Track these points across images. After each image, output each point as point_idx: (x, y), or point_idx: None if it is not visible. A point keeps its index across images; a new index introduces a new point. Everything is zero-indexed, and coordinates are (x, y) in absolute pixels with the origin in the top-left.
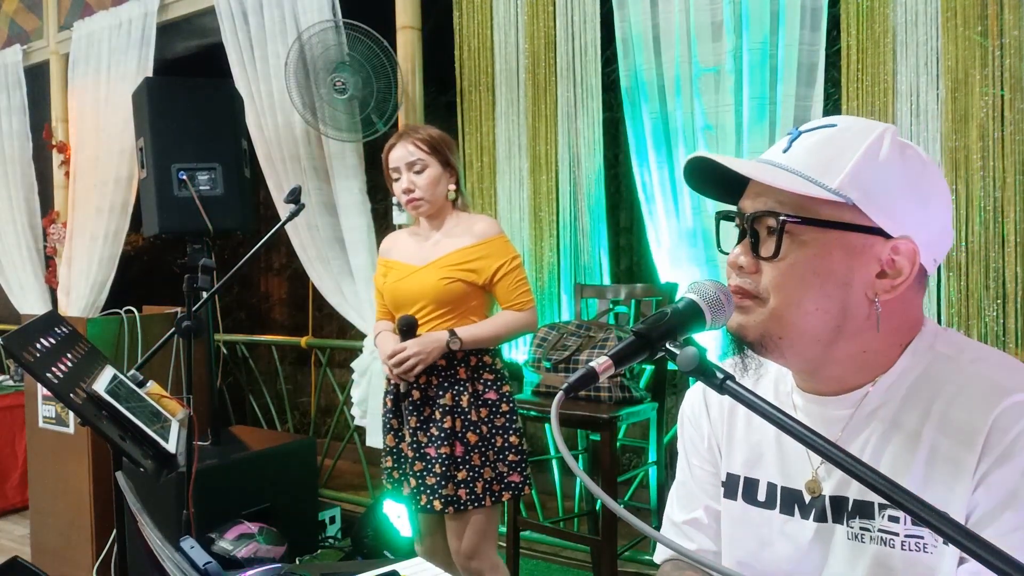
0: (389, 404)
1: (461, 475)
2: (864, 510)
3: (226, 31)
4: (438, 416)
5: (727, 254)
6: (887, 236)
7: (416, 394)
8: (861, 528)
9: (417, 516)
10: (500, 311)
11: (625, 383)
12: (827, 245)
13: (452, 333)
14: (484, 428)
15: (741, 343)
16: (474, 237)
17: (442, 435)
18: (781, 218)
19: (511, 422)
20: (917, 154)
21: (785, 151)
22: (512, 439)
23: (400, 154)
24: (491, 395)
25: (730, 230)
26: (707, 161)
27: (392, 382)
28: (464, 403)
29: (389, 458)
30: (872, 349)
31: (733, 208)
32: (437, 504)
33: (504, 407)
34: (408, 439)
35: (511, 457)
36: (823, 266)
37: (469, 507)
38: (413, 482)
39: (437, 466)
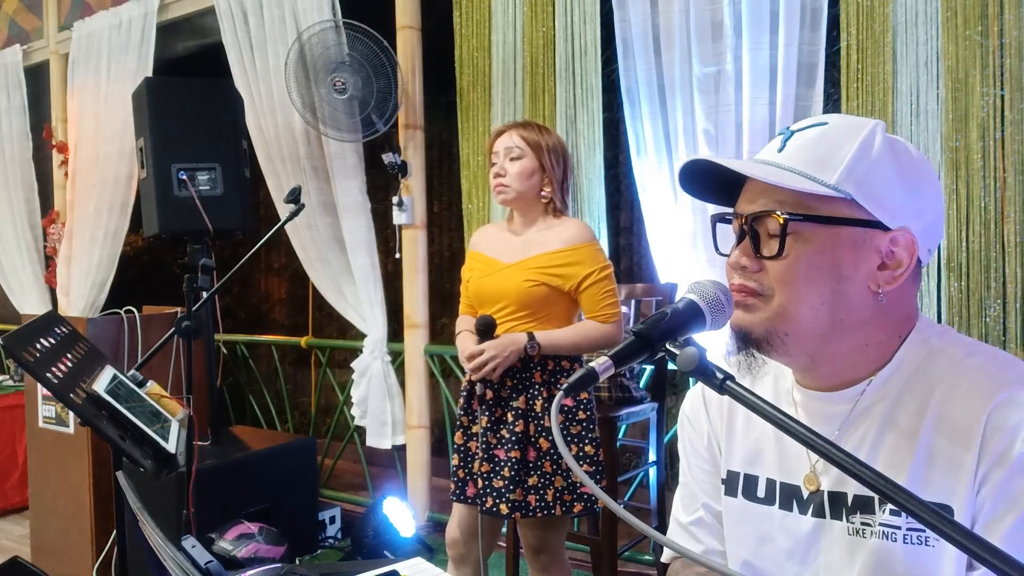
0: (462, 402)
1: (532, 481)
2: (865, 505)
3: (226, 31)
4: (510, 419)
5: (726, 255)
6: (885, 228)
7: (489, 394)
8: (862, 523)
9: (461, 517)
10: (583, 320)
11: (625, 383)
12: (828, 241)
13: (531, 337)
14: None
15: (746, 341)
16: (565, 241)
17: (513, 438)
18: (784, 217)
19: (588, 431)
20: (905, 148)
21: (780, 150)
22: (587, 448)
23: (504, 141)
24: (567, 401)
25: (726, 232)
26: (702, 164)
27: (468, 381)
28: (538, 407)
29: (456, 456)
30: (873, 342)
31: (728, 210)
32: (504, 508)
33: (581, 415)
34: (479, 439)
35: (585, 468)
36: (826, 261)
37: (538, 514)
38: (480, 483)
39: (506, 469)
